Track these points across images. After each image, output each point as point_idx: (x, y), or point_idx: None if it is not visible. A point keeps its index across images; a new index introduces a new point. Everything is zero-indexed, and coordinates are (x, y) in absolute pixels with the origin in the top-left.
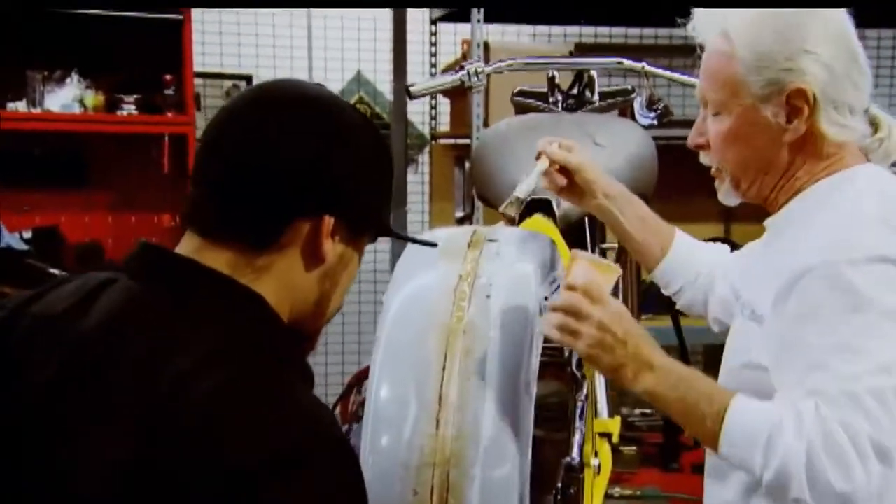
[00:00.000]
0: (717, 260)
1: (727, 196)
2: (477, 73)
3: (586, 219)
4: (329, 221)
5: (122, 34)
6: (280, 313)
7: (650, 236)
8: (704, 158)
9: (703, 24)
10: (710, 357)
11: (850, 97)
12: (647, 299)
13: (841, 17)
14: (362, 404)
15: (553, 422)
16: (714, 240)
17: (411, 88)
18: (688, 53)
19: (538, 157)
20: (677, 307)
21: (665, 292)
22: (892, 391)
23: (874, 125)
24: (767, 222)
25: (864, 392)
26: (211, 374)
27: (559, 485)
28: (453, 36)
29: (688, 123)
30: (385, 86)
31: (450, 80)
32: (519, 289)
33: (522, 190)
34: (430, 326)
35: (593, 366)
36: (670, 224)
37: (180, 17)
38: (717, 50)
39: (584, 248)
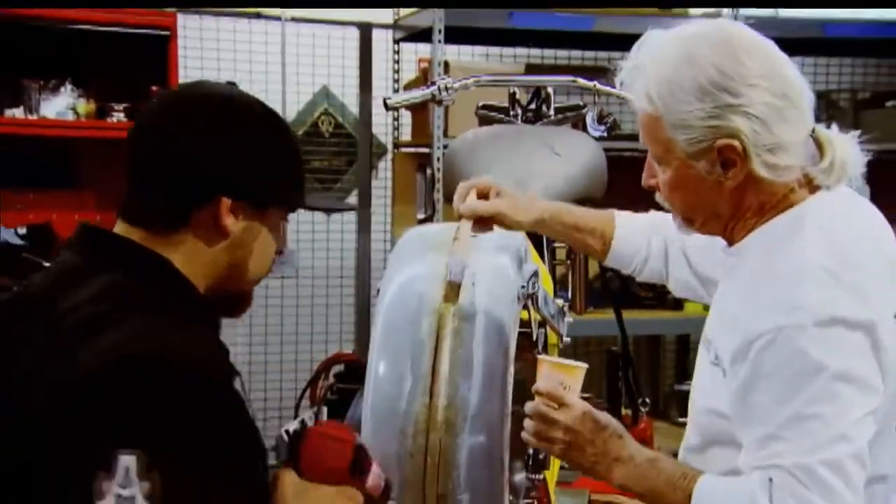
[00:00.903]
0: (660, 227)
1: (682, 231)
2: (447, 89)
3: None
4: (226, 202)
5: (112, 47)
6: (194, 278)
7: (588, 238)
8: (658, 198)
9: (629, 85)
10: (681, 345)
11: (784, 135)
12: (593, 295)
13: (764, 50)
14: (330, 388)
15: (524, 396)
16: None
17: (388, 101)
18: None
19: (458, 217)
20: (638, 281)
21: (624, 272)
22: (850, 458)
23: (820, 147)
24: (725, 252)
25: (818, 465)
26: (97, 303)
27: (530, 451)
28: (413, 54)
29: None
30: (348, 99)
31: (422, 94)
32: (499, 278)
33: (456, 274)
34: (423, 311)
35: (571, 464)
36: (606, 210)
37: (167, 32)
38: (644, 111)
39: (539, 247)
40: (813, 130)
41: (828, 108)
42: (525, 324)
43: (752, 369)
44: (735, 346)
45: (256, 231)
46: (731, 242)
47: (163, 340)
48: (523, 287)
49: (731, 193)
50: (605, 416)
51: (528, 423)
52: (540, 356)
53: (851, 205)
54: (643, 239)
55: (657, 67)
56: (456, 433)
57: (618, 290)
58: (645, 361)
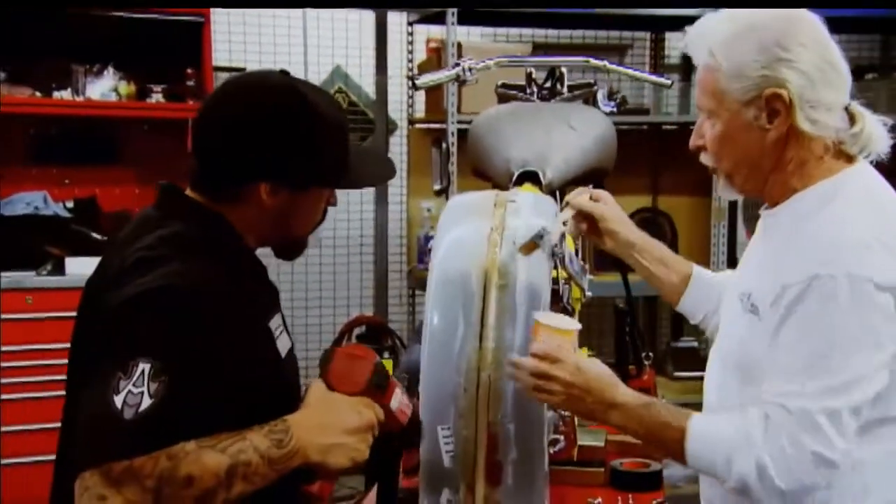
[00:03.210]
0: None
1: (725, 191)
2: (470, 69)
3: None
4: (265, 186)
5: (151, 34)
6: (246, 233)
7: (672, 275)
8: (704, 158)
9: (693, 44)
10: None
11: (826, 96)
12: (600, 259)
13: (817, 26)
14: (328, 352)
15: None
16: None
17: (417, 81)
18: (622, 51)
19: (564, 206)
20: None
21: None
22: (848, 409)
23: (853, 120)
24: (764, 213)
25: (818, 413)
26: (156, 248)
27: None
28: (424, 35)
29: (639, 111)
30: (360, 79)
31: (448, 74)
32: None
33: (545, 232)
34: (472, 266)
35: (572, 413)
36: (687, 260)
37: (202, 19)
38: (705, 65)
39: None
40: (847, 106)
41: None
42: (553, 280)
43: (784, 313)
44: (773, 292)
45: (297, 205)
46: (771, 203)
47: (191, 278)
48: (555, 246)
49: (773, 146)
50: (596, 367)
51: (528, 380)
52: (536, 318)
53: (880, 178)
54: (717, 292)
55: (722, 27)
56: (503, 371)
57: None
58: (643, 321)
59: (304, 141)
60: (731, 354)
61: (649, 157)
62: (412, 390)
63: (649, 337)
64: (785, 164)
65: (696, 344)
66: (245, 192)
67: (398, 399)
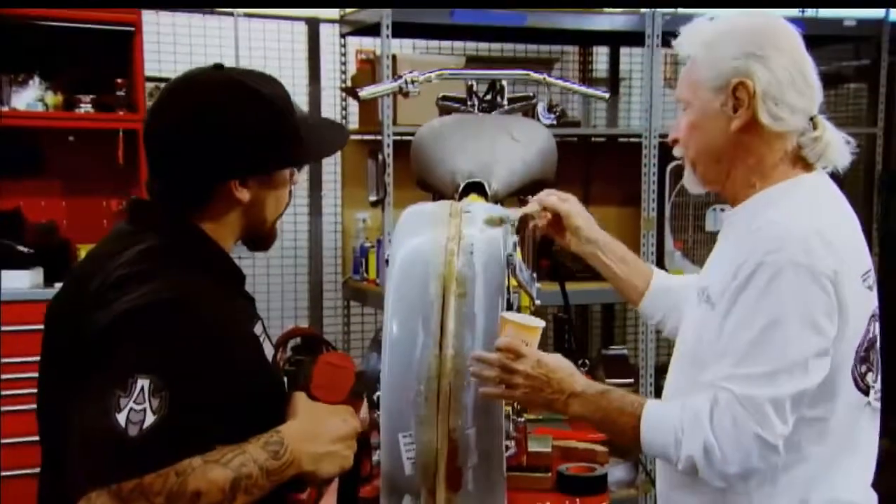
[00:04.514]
0: (690, 285)
1: (690, 182)
2: (413, 81)
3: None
4: (234, 183)
5: (79, 43)
6: (223, 237)
7: (633, 276)
8: (676, 151)
9: (682, 42)
10: (606, 314)
11: (791, 99)
12: (538, 270)
13: (795, 37)
14: (288, 360)
15: None
16: None
17: (360, 93)
18: (549, 64)
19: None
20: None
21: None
22: (790, 397)
23: (815, 128)
24: (725, 215)
25: (765, 401)
26: (137, 263)
27: None
28: (355, 48)
29: (578, 124)
30: (292, 89)
31: (390, 86)
32: (492, 247)
33: (508, 215)
34: (430, 276)
35: (531, 407)
36: (645, 262)
37: (132, 28)
38: (689, 56)
39: None
40: (813, 117)
41: None
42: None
43: (731, 297)
44: (723, 282)
45: (267, 193)
46: (733, 203)
47: (181, 291)
48: (510, 255)
49: (735, 137)
50: (555, 359)
51: (488, 372)
52: (503, 315)
53: (833, 186)
54: (677, 294)
55: (708, 26)
56: (463, 378)
57: (555, 264)
58: (575, 328)
59: (260, 127)
60: (687, 348)
61: (580, 169)
62: (370, 399)
63: (582, 345)
64: (745, 159)
65: (625, 352)
66: (215, 193)
67: (364, 410)
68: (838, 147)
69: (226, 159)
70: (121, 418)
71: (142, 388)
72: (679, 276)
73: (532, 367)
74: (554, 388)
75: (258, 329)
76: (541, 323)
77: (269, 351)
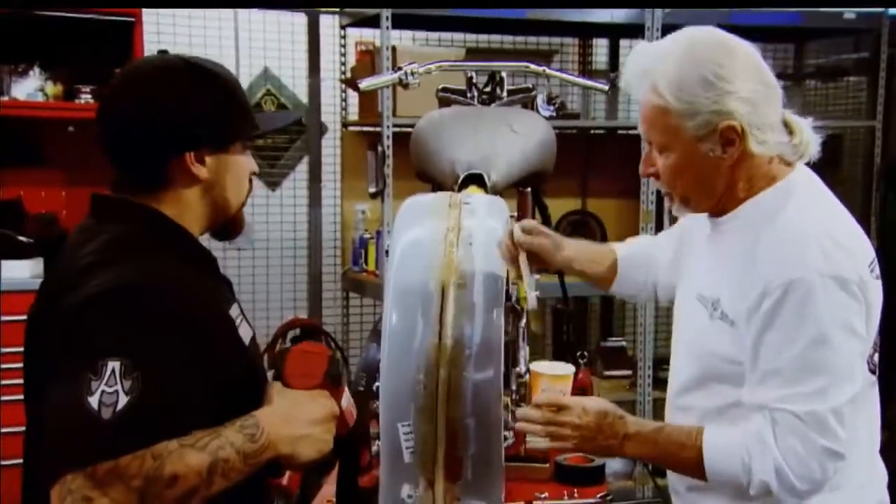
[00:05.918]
0: (650, 253)
1: (679, 211)
2: (413, 73)
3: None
4: (188, 155)
5: (80, 33)
6: (188, 222)
7: (606, 271)
8: (658, 185)
9: (633, 81)
10: (605, 307)
11: (768, 116)
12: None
13: (750, 52)
14: (282, 352)
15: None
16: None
17: (361, 85)
18: (549, 56)
19: (517, 255)
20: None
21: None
22: (847, 403)
23: (790, 131)
24: (713, 220)
25: (828, 413)
26: (101, 252)
27: (513, 387)
28: (359, 39)
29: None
30: (292, 80)
31: (391, 78)
32: (491, 238)
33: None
34: (430, 267)
35: (588, 453)
36: (607, 246)
37: (132, 19)
38: (651, 103)
39: None
40: (783, 118)
41: None
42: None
43: (766, 319)
44: (749, 301)
45: (225, 166)
46: (719, 214)
47: (148, 274)
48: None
49: (727, 170)
50: (599, 403)
51: (539, 429)
52: (533, 370)
53: (816, 177)
54: (640, 267)
55: (663, 66)
56: (462, 367)
57: None
58: (574, 321)
59: (209, 101)
60: (699, 358)
61: (579, 161)
62: (370, 389)
63: (580, 337)
64: (736, 182)
65: (623, 344)
66: (172, 170)
67: (347, 399)
68: (813, 140)
69: (176, 132)
70: (93, 401)
71: (112, 371)
72: (636, 244)
73: (578, 417)
74: (606, 433)
75: (234, 311)
76: (571, 369)
77: (247, 333)
